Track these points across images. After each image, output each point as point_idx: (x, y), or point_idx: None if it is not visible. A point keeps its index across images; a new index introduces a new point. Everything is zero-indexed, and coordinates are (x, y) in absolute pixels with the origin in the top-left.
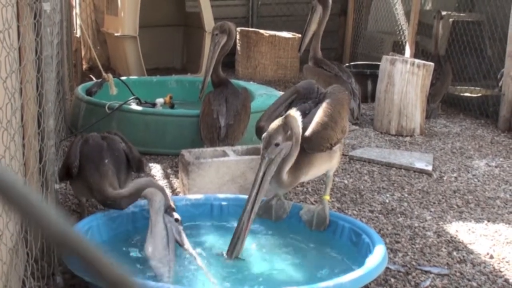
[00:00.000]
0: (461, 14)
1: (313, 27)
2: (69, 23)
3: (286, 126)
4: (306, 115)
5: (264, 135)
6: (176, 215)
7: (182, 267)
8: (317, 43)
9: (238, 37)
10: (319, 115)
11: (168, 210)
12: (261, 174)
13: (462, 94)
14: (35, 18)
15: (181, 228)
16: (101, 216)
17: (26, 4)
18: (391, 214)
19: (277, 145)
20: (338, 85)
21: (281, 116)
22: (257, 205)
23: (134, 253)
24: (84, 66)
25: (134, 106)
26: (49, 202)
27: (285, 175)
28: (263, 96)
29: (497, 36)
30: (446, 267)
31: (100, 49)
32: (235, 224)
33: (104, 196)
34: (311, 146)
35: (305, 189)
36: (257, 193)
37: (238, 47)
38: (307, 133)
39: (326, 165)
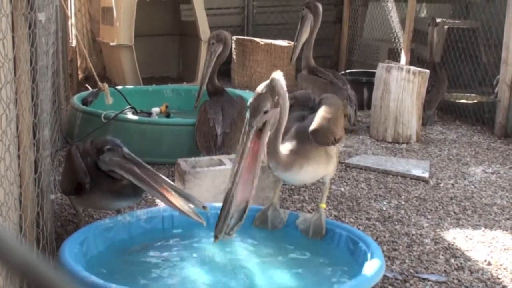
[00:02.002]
0: (456, 21)
1: (304, 36)
2: (65, 33)
3: (273, 91)
4: (304, 120)
5: (250, 101)
6: (107, 146)
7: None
8: (309, 51)
9: (233, 45)
10: (321, 113)
11: (104, 150)
12: (248, 143)
13: (458, 101)
14: (30, 28)
15: (124, 151)
16: (96, 226)
17: (20, 14)
18: (388, 222)
19: (266, 112)
20: (332, 94)
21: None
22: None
23: (130, 261)
24: (80, 76)
25: (130, 115)
26: (46, 212)
27: (280, 151)
28: None
29: (492, 43)
30: (443, 274)
31: (95, 58)
32: None
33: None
34: (318, 139)
35: (301, 197)
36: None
37: (234, 56)
38: (314, 126)
39: (323, 166)
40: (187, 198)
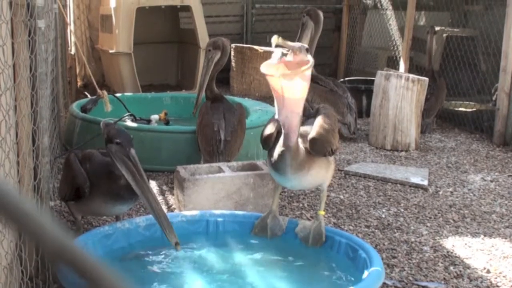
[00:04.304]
0: (455, 30)
1: (304, 43)
2: (64, 40)
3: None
4: (303, 124)
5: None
6: (117, 139)
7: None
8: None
9: (232, 53)
10: (319, 123)
11: (112, 140)
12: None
13: (456, 109)
14: (29, 35)
15: (130, 152)
16: (95, 233)
17: (20, 21)
18: (387, 229)
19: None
20: (332, 102)
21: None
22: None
23: (129, 268)
24: (79, 83)
25: (129, 123)
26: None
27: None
28: (258, 112)
29: (491, 51)
30: (443, 282)
31: (94, 66)
32: (231, 241)
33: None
34: (316, 148)
35: (300, 205)
36: None
37: (233, 63)
38: (312, 135)
39: (323, 172)
40: (166, 227)
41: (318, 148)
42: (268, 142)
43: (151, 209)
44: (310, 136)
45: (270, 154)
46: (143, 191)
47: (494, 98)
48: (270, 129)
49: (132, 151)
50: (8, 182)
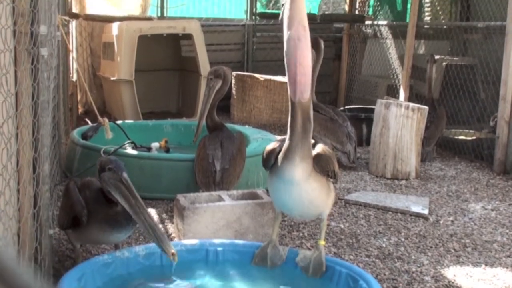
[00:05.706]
0: (454, 58)
1: None
2: (66, 68)
3: None
4: None
5: None
6: (109, 165)
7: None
8: (311, 87)
9: (233, 81)
10: (321, 147)
11: (106, 169)
12: None
13: (456, 137)
14: (32, 63)
15: (123, 175)
16: (94, 262)
17: (23, 50)
18: (388, 259)
19: None
20: (332, 131)
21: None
22: None
23: None
24: (80, 110)
25: (130, 150)
26: (44, 247)
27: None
28: (259, 140)
29: (490, 80)
30: None
31: (96, 93)
32: (231, 270)
33: None
34: (321, 163)
35: (301, 234)
36: None
37: (234, 91)
38: (317, 151)
39: (323, 194)
40: (161, 239)
41: (322, 163)
42: (270, 157)
43: (146, 225)
44: (314, 153)
45: (275, 165)
46: (137, 212)
47: (492, 125)
48: (272, 145)
49: (124, 174)
50: (6, 250)
